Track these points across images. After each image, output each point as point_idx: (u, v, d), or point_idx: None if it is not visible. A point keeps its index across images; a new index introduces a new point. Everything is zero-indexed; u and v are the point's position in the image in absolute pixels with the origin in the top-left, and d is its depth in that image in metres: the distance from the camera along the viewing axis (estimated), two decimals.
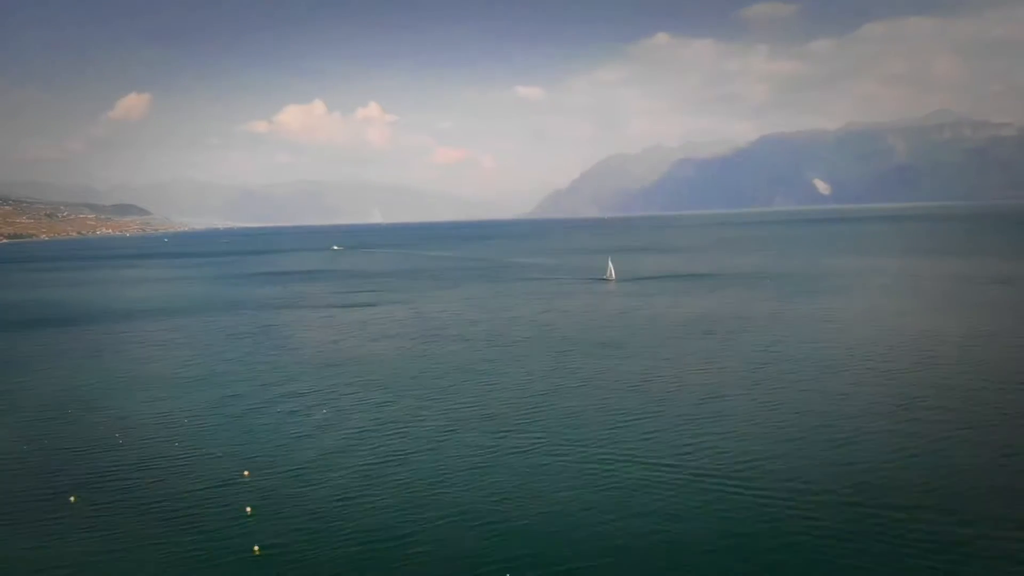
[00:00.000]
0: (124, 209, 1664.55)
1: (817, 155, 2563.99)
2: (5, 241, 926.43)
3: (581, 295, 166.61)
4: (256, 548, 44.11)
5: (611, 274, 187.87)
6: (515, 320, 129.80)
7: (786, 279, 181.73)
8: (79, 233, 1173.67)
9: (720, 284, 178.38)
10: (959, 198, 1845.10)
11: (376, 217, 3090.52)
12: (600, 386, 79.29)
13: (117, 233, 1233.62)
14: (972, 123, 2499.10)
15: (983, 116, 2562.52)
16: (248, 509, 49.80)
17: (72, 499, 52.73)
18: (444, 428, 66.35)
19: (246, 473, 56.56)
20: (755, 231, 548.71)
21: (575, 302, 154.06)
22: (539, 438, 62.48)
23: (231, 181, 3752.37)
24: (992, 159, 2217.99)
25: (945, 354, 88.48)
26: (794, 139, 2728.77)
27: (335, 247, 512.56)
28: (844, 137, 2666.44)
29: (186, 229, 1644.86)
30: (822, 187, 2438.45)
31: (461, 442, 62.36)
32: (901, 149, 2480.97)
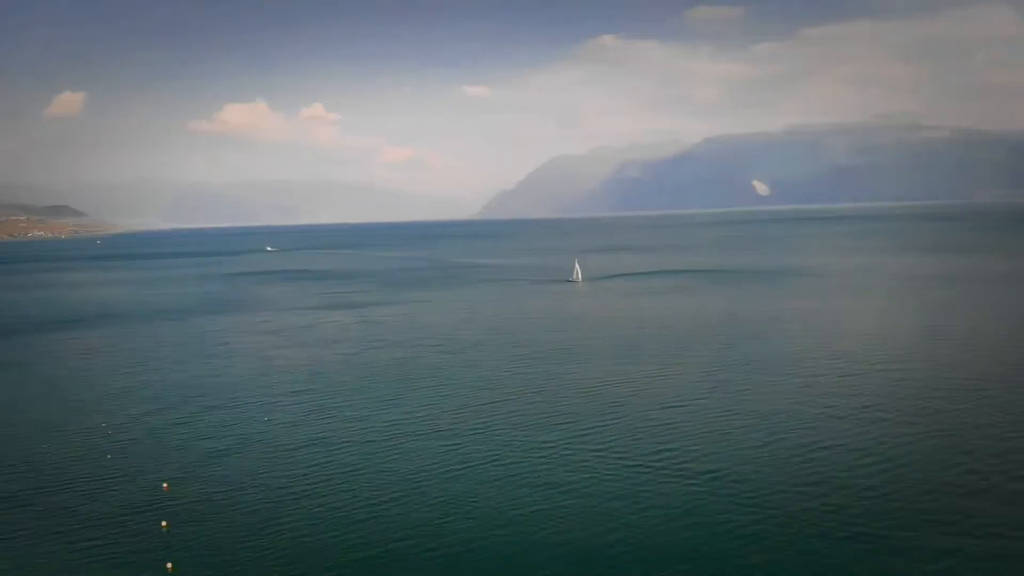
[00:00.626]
0: (57, 211, 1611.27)
1: (760, 156, 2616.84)
2: None
3: (548, 297, 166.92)
4: (170, 565, 43.73)
5: (577, 275, 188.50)
6: (478, 324, 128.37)
7: (736, 276, 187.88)
8: (10, 236, 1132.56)
9: (682, 283, 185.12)
10: (896, 199, 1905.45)
11: (325, 217, 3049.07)
12: (560, 392, 79.02)
13: (51, 236, 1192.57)
14: (908, 126, 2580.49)
15: (920, 119, 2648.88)
16: (164, 524, 49.37)
17: None
18: (385, 440, 65.08)
19: (165, 487, 55.97)
20: (698, 232, 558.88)
21: (543, 304, 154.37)
22: (486, 449, 61.35)
23: (179, 179, 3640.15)
24: (927, 161, 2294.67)
25: (897, 354, 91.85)
26: (738, 140, 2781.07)
27: (268, 248, 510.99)
28: (786, 138, 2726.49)
29: (122, 231, 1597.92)
30: (761, 188, 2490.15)
31: (402, 455, 61.24)
32: (841, 151, 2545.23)
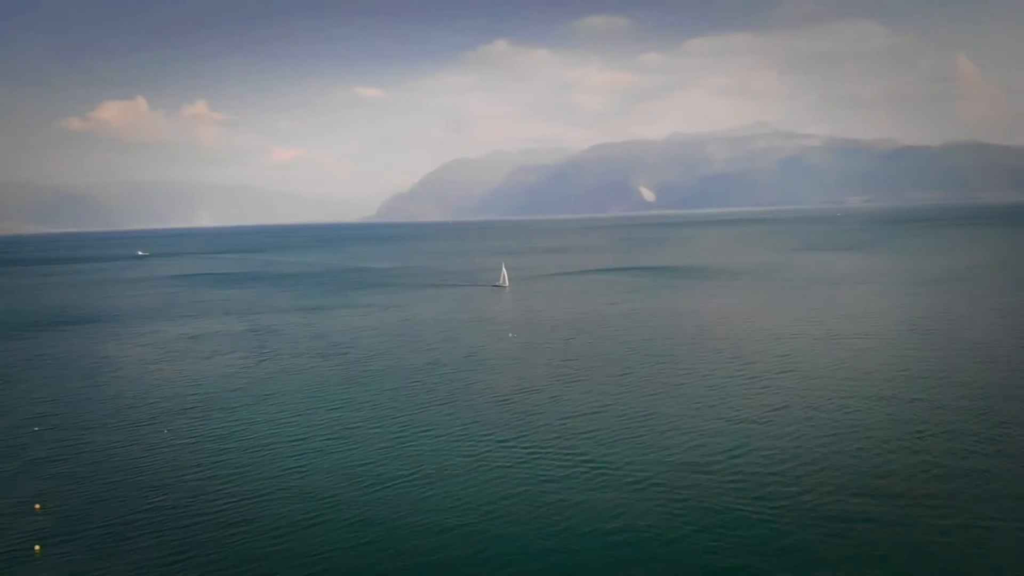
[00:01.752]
0: None
1: (645, 163, 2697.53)
2: None
3: (479, 304, 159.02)
4: None
5: (505, 280, 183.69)
6: (408, 336, 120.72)
7: (657, 274, 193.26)
8: None
9: (609, 281, 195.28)
10: (772, 204, 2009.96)
11: (204, 220, 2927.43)
12: (533, 408, 76.39)
13: None
14: (783, 133, 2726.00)
15: (794, 127, 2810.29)
16: (37, 548, 46.61)
17: None
18: (285, 458, 62.05)
19: (37, 507, 52.63)
20: (603, 235, 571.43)
21: (475, 312, 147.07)
22: (392, 466, 59.20)
23: (48, 182, 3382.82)
24: (801, 167, 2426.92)
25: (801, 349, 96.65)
26: (624, 148, 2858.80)
27: (140, 252, 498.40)
28: (669, 146, 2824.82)
29: None
30: (647, 194, 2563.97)
31: (306, 473, 58.67)
32: (721, 158, 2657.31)
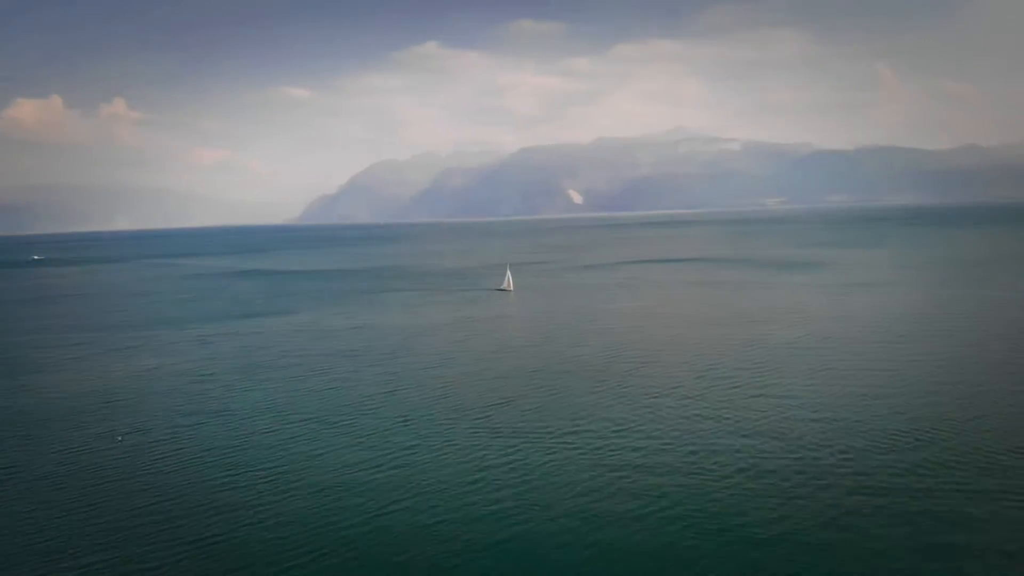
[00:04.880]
0: None
1: (573, 167, 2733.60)
2: None
3: (491, 307, 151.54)
4: None
5: (509, 284, 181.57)
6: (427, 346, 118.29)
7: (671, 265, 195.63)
8: None
9: (600, 281, 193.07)
10: (694, 206, 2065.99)
11: (122, 224, 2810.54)
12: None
13: None
14: (706, 138, 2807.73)
15: (717, 132, 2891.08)
16: None
17: None
18: (248, 476, 57.72)
19: None
20: (562, 235, 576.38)
21: (489, 315, 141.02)
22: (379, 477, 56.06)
23: None
24: (722, 171, 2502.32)
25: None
26: (553, 151, 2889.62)
27: (35, 257, 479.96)
28: (595, 150, 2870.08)
29: None
30: (575, 197, 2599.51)
31: (257, 492, 54.46)
32: (646, 162, 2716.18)
